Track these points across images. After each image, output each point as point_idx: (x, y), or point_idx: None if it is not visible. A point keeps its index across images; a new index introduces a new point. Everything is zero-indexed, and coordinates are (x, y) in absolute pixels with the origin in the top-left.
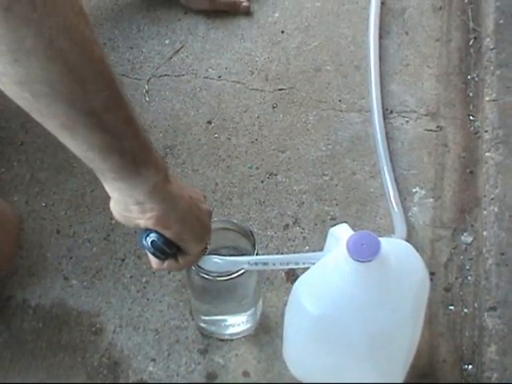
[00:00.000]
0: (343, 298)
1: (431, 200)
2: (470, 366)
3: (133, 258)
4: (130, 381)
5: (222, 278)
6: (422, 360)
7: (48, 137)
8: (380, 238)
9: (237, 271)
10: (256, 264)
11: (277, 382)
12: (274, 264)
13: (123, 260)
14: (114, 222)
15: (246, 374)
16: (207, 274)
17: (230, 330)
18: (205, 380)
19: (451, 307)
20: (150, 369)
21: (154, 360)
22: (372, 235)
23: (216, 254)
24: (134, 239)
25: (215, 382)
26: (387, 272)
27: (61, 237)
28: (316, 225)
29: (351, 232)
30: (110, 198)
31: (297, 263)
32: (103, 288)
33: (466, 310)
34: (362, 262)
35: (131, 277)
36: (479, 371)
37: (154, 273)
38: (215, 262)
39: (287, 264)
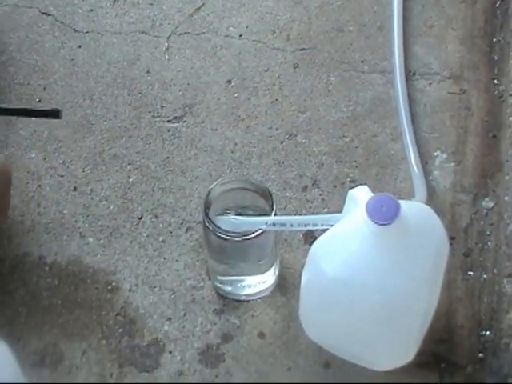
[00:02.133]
0: (361, 260)
1: (453, 164)
2: (488, 332)
3: (150, 216)
4: (145, 339)
5: (240, 239)
6: (439, 325)
7: (67, 94)
8: (400, 201)
9: (254, 231)
10: (274, 225)
11: (292, 343)
12: (291, 225)
13: (140, 218)
14: (131, 180)
15: (261, 335)
16: (224, 234)
17: (247, 291)
18: (220, 340)
19: (470, 272)
20: (166, 328)
21: (169, 319)
22: (392, 198)
23: (234, 214)
24: (152, 198)
25: (230, 343)
26: (406, 235)
27: (78, 194)
28: (335, 187)
29: (371, 194)
30: (128, 156)
31: (315, 224)
32: (120, 246)
33: (485, 276)
34: (381, 224)
35: (148, 236)
36: (497, 337)
37: (171, 232)
38: (233, 222)
39: (305, 225)
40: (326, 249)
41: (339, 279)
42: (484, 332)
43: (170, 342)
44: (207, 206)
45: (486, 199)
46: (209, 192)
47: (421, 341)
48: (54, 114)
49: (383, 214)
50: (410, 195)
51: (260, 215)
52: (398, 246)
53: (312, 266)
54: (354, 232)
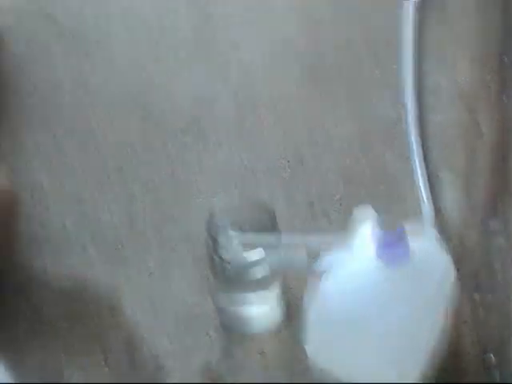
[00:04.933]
0: (365, 292)
1: (460, 184)
2: (494, 357)
3: (153, 231)
4: (145, 356)
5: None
6: (444, 350)
7: (72, 105)
8: (409, 241)
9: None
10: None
11: (294, 364)
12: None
13: (143, 233)
14: (135, 193)
15: (262, 353)
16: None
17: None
18: (220, 358)
19: (477, 295)
20: (166, 345)
21: (170, 336)
22: (401, 237)
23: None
24: (156, 212)
25: (231, 361)
26: (414, 274)
27: (81, 207)
28: (341, 205)
29: (375, 215)
30: (132, 169)
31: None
32: (122, 260)
33: (492, 299)
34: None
35: (151, 251)
36: (504, 362)
37: (174, 247)
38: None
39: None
40: (332, 277)
41: (342, 307)
42: (490, 357)
43: (170, 359)
44: (213, 236)
45: (494, 220)
46: (212, 214)
47: (425, 365)
48: None
49: (392, 257)
50: (416, 215)
51: (264, 233)
52: (405, 283)
53: (318, 301)
54: (363, 271)
